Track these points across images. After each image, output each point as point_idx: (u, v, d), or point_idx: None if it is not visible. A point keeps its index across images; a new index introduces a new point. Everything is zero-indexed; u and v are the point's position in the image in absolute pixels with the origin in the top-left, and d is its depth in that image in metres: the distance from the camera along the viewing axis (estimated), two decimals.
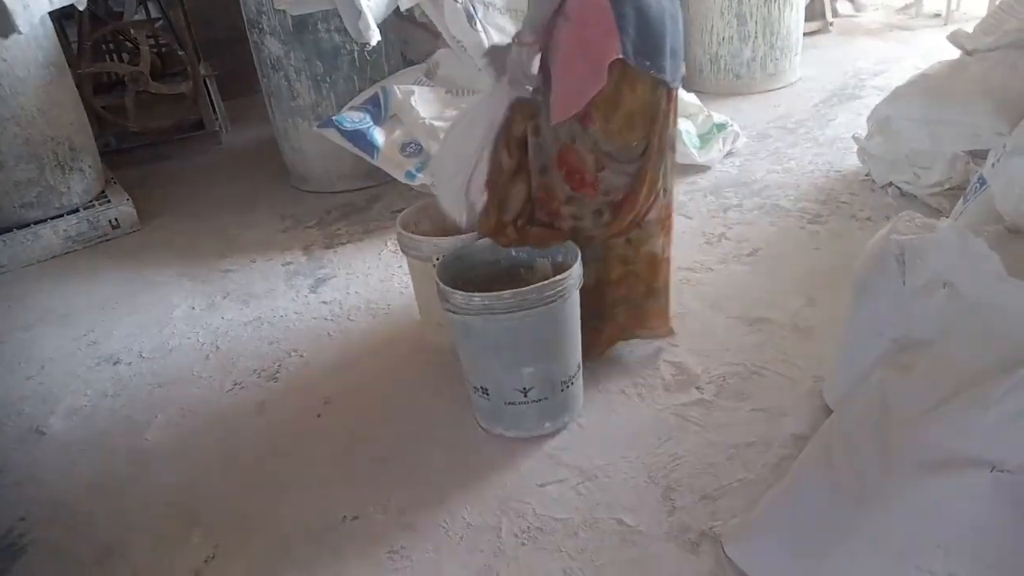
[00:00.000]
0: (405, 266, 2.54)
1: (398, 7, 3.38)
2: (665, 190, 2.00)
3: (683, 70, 1.92)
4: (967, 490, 1.14)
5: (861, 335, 1.71)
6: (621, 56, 1.72)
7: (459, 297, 1.77)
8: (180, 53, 4.38)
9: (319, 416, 2.15)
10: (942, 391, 1.25)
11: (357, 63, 3.49)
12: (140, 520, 1.87)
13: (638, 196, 1.92)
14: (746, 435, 1.87)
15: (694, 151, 3.34)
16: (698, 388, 2.04)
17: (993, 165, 2.02)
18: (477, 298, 1.74)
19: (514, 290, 1.73)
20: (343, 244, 3.15)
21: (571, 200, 1.94)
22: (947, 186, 2.72)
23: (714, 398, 2.00)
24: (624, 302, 2.09)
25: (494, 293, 1.73)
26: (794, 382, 2.03)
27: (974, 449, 1.14)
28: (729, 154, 3.48)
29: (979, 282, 1.38)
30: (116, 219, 3.49)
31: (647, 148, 1.88)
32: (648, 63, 1.77)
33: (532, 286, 1.74)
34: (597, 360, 2.10)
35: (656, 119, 1.85)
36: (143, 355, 2.55)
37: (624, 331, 2.14)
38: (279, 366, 2.39)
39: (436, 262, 2.01)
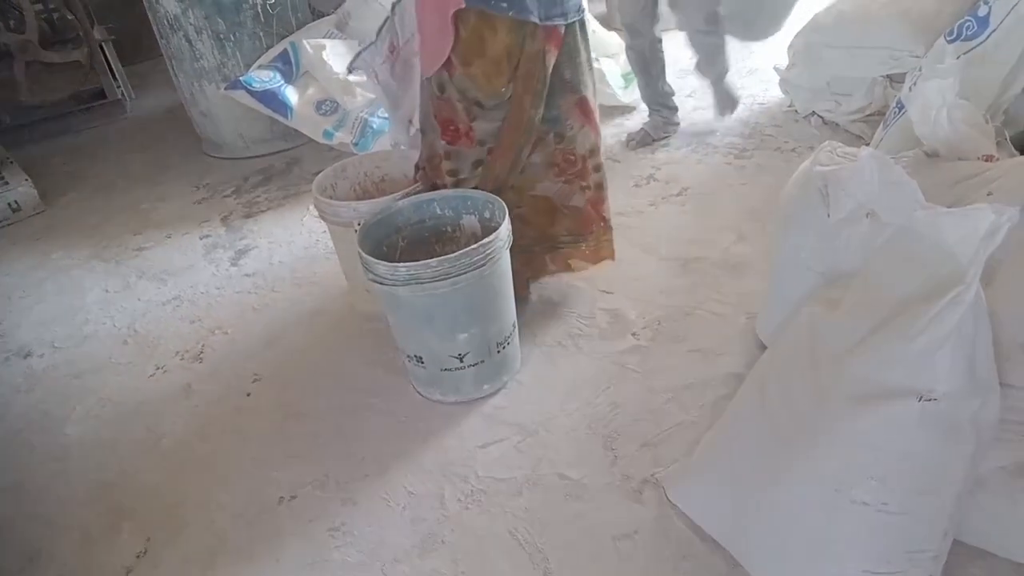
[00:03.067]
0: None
1: None
2: (558, 134, 1.93)
3: (578, 3, 1.83)
4: (896, 420, 1.14)
5: (789, 269, 1.71)
6: (464, 5, 1.66)
7: (383, 268, 1.69)
8: (70, 18, 4.08)
9: (249, 395, 2.07)
10: (869, 323, 1.25)
11: (262, 18, 3.29)
12: (64, 520, 1.78)
13: (506, 141, 1.86)
14: (683, 378, 1.86)
15: (618, 91, 3.28)
16: (634, 334, 2.03)
17: (910, 88, 2.03)
18: (403, 268, 1.67)
19: (441, 257, 1.66)
20: (263, 212, 3.01)
21: (449, 155, 1.88)
22: (868, 112, 2.74)
23: (650, 343, 1.99)
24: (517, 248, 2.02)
25: (420, 262, 1.66)
26: (728, 320, 2.03)
27: (901, 379, 1.14)
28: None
29: (899, 210, 1.37)
30: (16, 202, 3.27)
31: (517, 87, 1.81)
32: (505, 4, 1.69)
33: (459, 252, 1.68)
34: (530, 312, 2.06)
35: (521, 61, 1.77)
36: (56, 345, 2.41)
37: (524, 275, 2.10)
38: (203, 346, 2.29)
39: (357, 227, 1.92)
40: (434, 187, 1.96)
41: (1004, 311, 1.26)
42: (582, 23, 1.86)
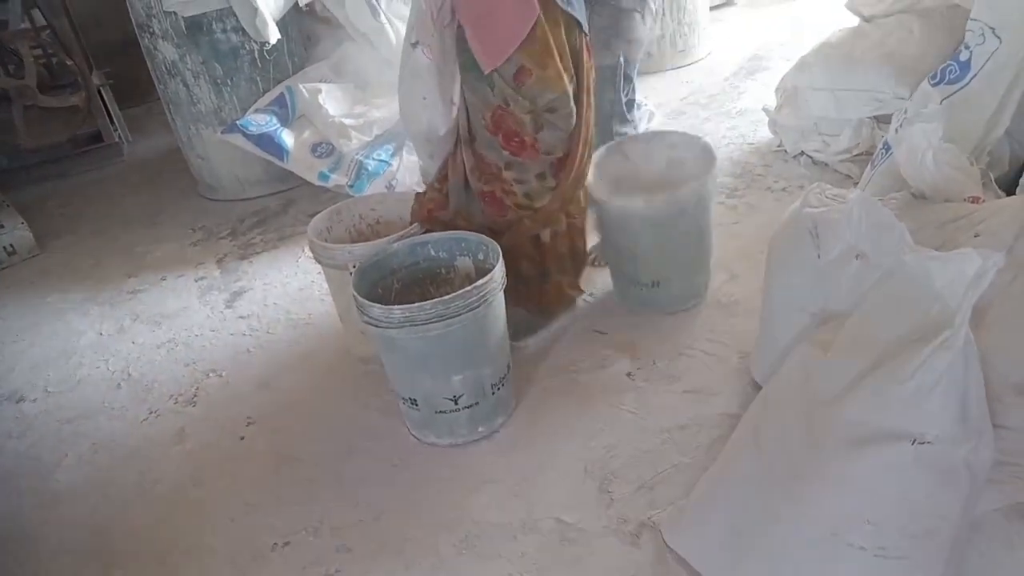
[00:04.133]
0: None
1: (297, 2, 3.25)
2: (590, 144, 1.99)
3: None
4: (890, 463, 1.15)
5: (781, 310, 1.72)
6: None
7: (378, 310, 1.70)
8: (69, 63, 4.13)
9: (242, 439, 2.06)
10: (860, 365, 1.26)
11: (258, 63, 3.34)
12: (53, 568, 1.76)
13: (578, 148, 1.90)
14: (678, 418, 1.86)
15: None
16: (628, 375, 2.03)
17: (896, 131, 2.07)
18: (397, 311, 1.68)
19: (435, 300, 1.67)
20: (258, 253, 3.02)
21: (511, 165, 1.88)
22: (856, 152, 2.78)
23: (644, 383, 1.99)
24: (561, 259, 2.09)
25: (415, 305, 1.67)
26: (721, 360, 2.04)
27: (894, 422, 1.15)
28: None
29: (888, 252, 1.40)
30: (11, 245, 3.27)
31: (579, 95, 1.85)
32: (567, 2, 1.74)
33: (454, 294, 1.69)
34: (523, 352, 2.08)
35: (580, 63, 1.82)
36: (48, 389, 2.40)
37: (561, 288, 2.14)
38: (197, 389, 2.28)
39: (352, 270, 1.94)
40: (491, 195, 1.95)
41: (994, 353, 1.27)
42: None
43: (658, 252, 2.13)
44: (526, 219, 1.96)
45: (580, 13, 1.79)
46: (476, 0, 1.73)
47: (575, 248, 2.12)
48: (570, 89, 1.82)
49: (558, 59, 1.76)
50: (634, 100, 2.67)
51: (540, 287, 2.09)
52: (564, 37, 1.75)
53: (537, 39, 1.71)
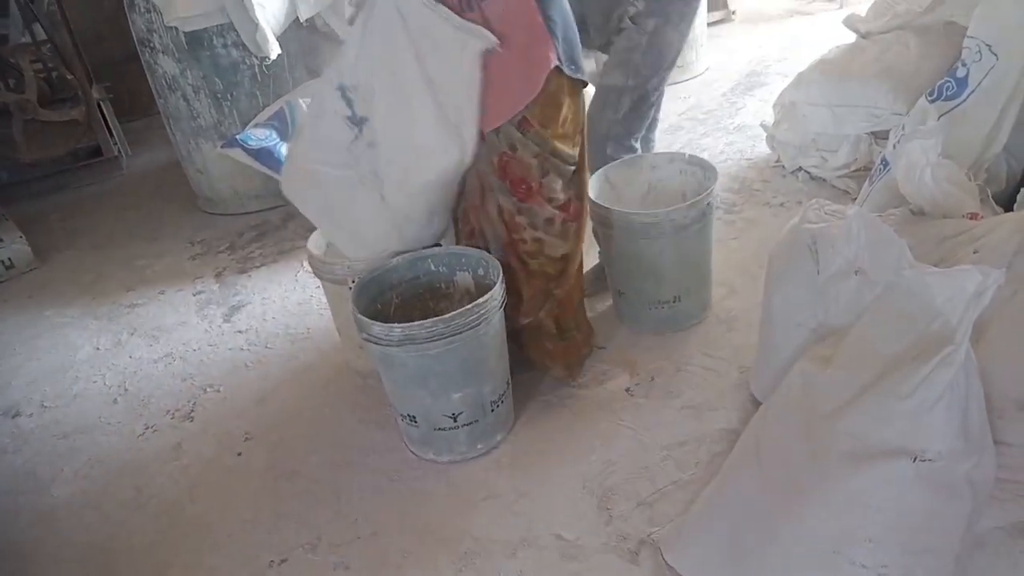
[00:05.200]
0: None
1: (297, 17, 3.26)
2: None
3: None
4: (892, 480, 1.14)
5: (780, 325, 1.72)
6: (558, 64, 1.68)
7: (378, 328, 1.69)
8: (70, 77, 4.14)
9: (240, 454, 2.04)
10: (860, 381, 1.26)
11: (259, 78, 3.35)
12: None
13: (583, 197, 1.91)
14: (678, 434, 1.85)
15: None
16: (627, 390, 2.03)
17: (894, 147, 2.07)
18: (397, 329, 1.67)
19: (435, 318, 1.67)
20: (257, 267, 3.02)
21: (521, 211, 1.86)
22: (854, 168, 2.79)
23: (644, 399, 1.99)
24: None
25: (415, 323, 1.67)
26: (721, 375, 2.03)
27: (895, 439, 1.15)
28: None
29: (888, 268, 1.40)
30: (10, 259, 3.27)
31: (582, 149, 1.86)
32: (574, 67, 1.74)
33: (454, 312, 1.68)
34: (522, 369, 2.07)
35: (583, 120, 1.83)
36: (45, 404, 2.39)
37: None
38: (194, 404, 2.27)
39: (351, 284, 1.93)
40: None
41: (995, 369, 1.27)
42: None
43: (681, 263, 2.13)
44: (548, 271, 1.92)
45: (582, 69, 1.79)
46: (492, 62, 1.72)
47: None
48: (575, 148, 1.83)
49: (565, 121, 1.77)
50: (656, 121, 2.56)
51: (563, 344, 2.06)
52: (572, 100, 1.76)
53: (542, 101, 1.72)
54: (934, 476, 1.12)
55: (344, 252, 2.01)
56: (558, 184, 1.84)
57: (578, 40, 1.79)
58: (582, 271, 2.07)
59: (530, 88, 1.70)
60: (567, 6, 1.75)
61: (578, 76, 1.76)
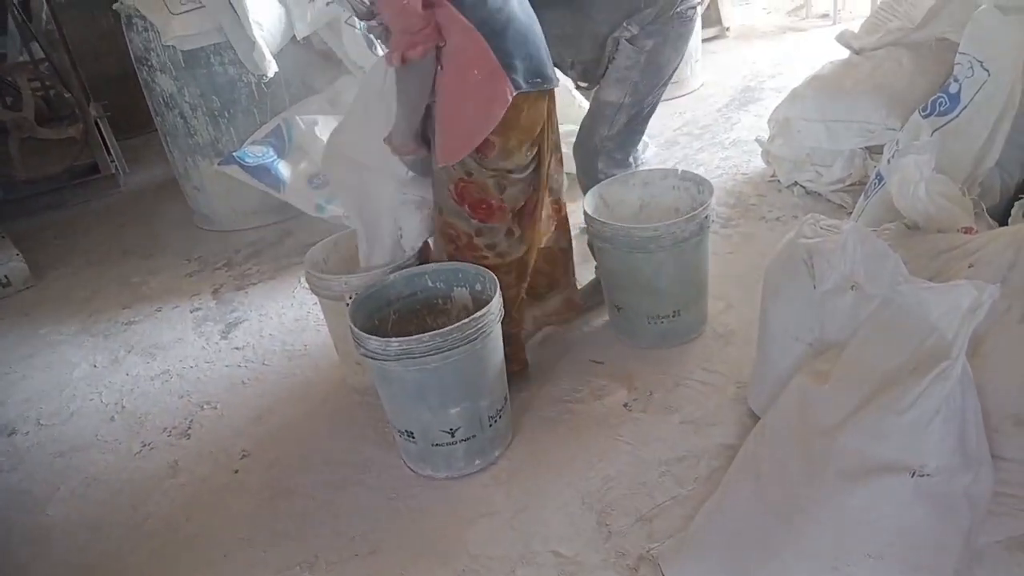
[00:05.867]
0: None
1: (294, 35, 3.28)
2: (551, 188, 2.01)
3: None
4: (890, 496, 1.14)
5: (777, 340, 1.72)
6: (514, 94, 1.70)
7: (375, 343, 1.69)
8: (67, 95, 4.16)
9: (237, 472, 2.04)
10: (858, 396, 1.26)
11: (256, 96, 3.36)
12: None
13: (539, 198, 1.93)
14: (676, 449, 1.85)
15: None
16: (625, 405, 2.02)
17: (888, 162, 2.09)
18: (394, 343, 1.67)
19: (432, 332, 1.67)
20: (254, 284, 3.02)
21: (482, 232, 1.89)
22: (849, 182, 2.80)
23: (642, 414, 1.99)
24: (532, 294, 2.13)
25: (412, 337, 1.67)
26: (718, 390, 2.03)
27: (893, 454, 1.15)
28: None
29: (883, 282, 1.40)
30: (6, 276, 3.27)
31: (539, 152, 1.87)
32: (539, 79, 1.75)
33: (451, 326, 1.69)
34: (520, 384, 2.07)
35: (542, 124, 1.84)
36: (41, 422, 2.38)
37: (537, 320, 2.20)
38: (191, 421, 2.26)
39: (349, 301, 1.93)
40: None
41: (991, 383, 1.27)
42: None
43: (679, 277, 2.14)
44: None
45: (551, 75, 1.81)
46: (447, 100, 1.76)
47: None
48: (530, 154, 1.84)
49: (521, 130, 1.78)
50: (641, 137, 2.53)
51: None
52: (530, 110, 1.77)
53: (502, 121, 1.73)
54: (932, 491, 1.12)
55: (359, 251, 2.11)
56: (517, 188, 1.87)
57: (543, 51, 1.79)
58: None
59: (488, 124, 1.73)
60: (525, 23, 1.75)
61: (544, 87, 1.77)
